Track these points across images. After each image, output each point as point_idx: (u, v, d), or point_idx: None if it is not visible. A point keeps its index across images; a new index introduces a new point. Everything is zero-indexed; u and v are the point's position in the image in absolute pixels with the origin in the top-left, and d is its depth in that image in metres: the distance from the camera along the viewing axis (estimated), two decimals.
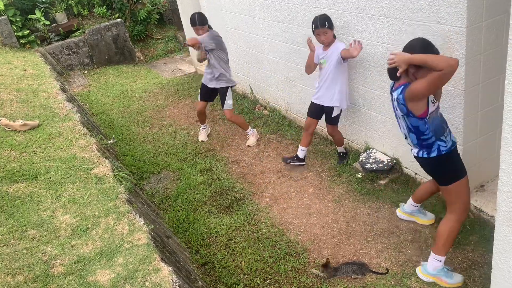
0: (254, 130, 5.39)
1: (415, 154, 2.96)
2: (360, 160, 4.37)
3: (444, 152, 2.82)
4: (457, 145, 3.43)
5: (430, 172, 3.01)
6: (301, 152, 4.60)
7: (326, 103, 4.25)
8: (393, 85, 2.88)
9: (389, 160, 4.20)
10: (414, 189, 3.93)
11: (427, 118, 2.75)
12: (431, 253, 3.02)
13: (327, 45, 4.09)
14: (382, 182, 4.13)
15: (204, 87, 5.24)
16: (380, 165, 4.18)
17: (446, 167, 2.88)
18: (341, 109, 4.29)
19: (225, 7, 6.18)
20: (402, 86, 2.75)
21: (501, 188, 2.09)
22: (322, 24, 3.96)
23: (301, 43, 4.83)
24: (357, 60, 4.16)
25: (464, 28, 3.04)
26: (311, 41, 4.21)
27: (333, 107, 4.22)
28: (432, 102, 2.75)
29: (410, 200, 3.54)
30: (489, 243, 3.08)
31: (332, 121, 4.35)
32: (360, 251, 3.46)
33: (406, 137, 2.98)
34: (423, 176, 3.92)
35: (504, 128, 1.99)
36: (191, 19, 4.87)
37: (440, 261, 2.98)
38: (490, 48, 3.21)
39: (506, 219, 2.12)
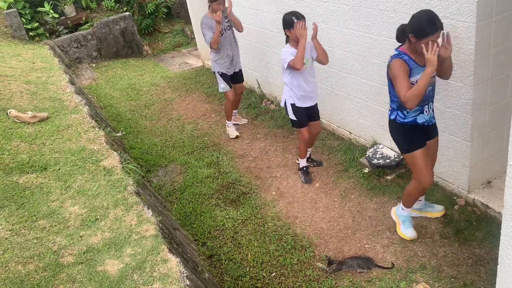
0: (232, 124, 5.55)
1: None
2: (367, 155, 4.37)
3: (398, 121, 3.12)
4: (465, 141, 3.44)
5: (390, 133, 3.30)
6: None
7: (316, 99, 4.22)
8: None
9: (396, 156, 4.20)
10: None
11: (395, 90, 2.96)
12: (401, 202, 3.46)
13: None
14: (388, 177, 4.14)
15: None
16: (387, 160, 4.19)
17: (397, 135, 3.21)
18: None
19: (234, 1, 6.17)
20: (397, 53, 2.95)
21: (509, 184, 2.09)
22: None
23: (308, 37, 4.82)
24: (365, 55, 4.16)
25: (474, 23, 3.02)
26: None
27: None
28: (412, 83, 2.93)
29: None
30: (496, 239, 3.09)
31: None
32: (366, 246, 3.47)
33: None
34: None
35: None
36: None
37: (404, 210, 3.44)
38: (500, 44, 3.20)
39: None
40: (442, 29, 2.79)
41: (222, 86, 5.27)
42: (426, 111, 3.07)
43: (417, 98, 2.83)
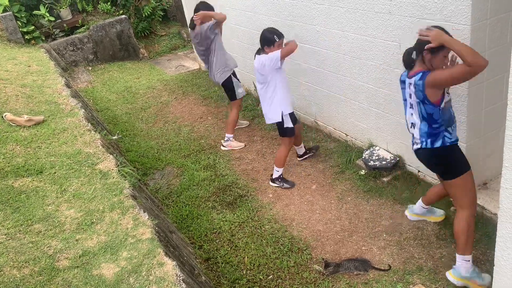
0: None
1: (418, 147, 2.97)
2: (363, 157, 4.37)
3: (448, 143, 2.86)
4: (461, 143, 3.45)
5: (434, 164, 3.03)
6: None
7: None
8: (407, 73, 2.91)
9: (392, 158, 4.21)
10: (417, 187, 3.95)
11: (441, 106, 2.78)
12: (457, 256, 2.96)
13: None
14: (385, 179, 4.14)
15: None
16: (383, 162, 4.19)
17: (449, 159, 2.91)
18: None
19: (230, 4, 6.19)
20: (421, 73, 2.76)
21: (504, 185, 2.10)
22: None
23: (305, 40, 4.83)
24: (361, 57, 4.17)
25: (469, 26, 3.04)
26: None
27: None
28: (447, 93, 2.81)
29: (419, 202, 3.54)
30: (492, 241, 3.08)
31: None
32: (363, 248, 3.47)
33: (413, 126, 2.96)
34: (426, 173, 3.92)
35: (508, 126, 2.00)
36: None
37: (469, 260, 2.92)
38: (495, 46, 3.21)
39: (509, 217, 2.13)
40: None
41: (240, 90, 5.16)
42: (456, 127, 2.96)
43: (475, 52, 2.52)
